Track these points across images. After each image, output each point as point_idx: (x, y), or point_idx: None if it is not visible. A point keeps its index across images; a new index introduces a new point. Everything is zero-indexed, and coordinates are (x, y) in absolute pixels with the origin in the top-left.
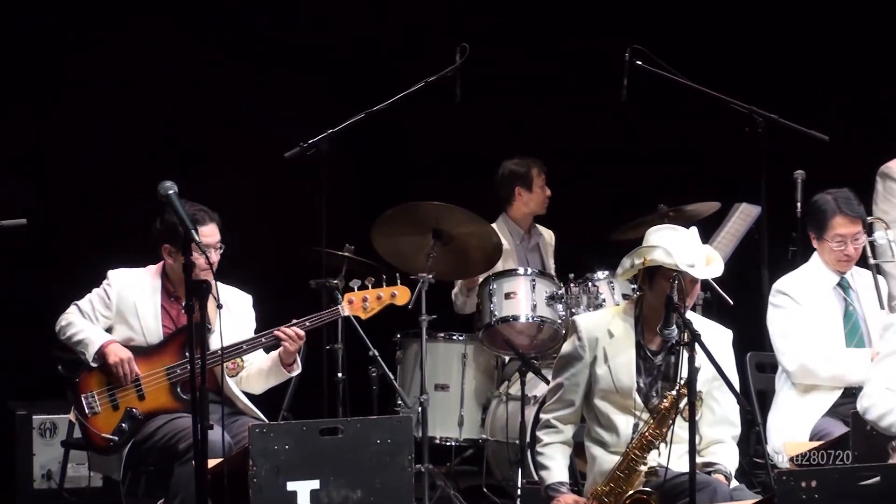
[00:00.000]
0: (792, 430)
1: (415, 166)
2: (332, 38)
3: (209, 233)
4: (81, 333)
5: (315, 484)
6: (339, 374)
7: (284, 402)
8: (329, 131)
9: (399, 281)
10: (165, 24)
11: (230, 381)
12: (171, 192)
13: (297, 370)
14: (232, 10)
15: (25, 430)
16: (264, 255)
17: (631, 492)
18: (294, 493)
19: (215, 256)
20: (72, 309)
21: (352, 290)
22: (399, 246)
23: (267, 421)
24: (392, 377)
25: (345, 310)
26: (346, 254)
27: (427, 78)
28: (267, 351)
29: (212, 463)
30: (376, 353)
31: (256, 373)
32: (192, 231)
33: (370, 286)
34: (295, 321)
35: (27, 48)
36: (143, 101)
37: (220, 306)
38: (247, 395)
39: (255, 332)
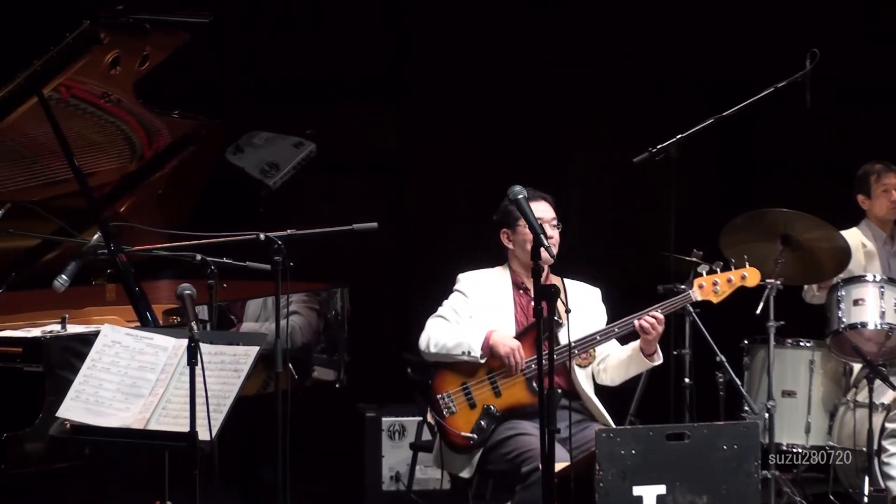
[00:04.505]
0: None
1: (762, 171)
2: (683, 44)
3: (542, 210)
4: (457, 337)
5: (661, 489)
6: (686, 380)
7: (631, 407)
8: (678, 136)
9: (748, 263)
10: (524, 26)
11: (580, 374)
12: (520, 196)
13: (659, 360)
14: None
15: (375, 432)
16: (613, 259)
17: None
18: (640, 498)
19: (554, 233)
20: (432, 322)
21: (700, 275)
22: (747, 252)
23: (613, 424)
24: (739, 383)
25: (696, 294)
26: (695, 259)
27: (776, 83)
28: (620, 341)
29: (558, 467)
30: (723, 359)
31: (616, 364)
32: (541, 236)
33: (719, 270)
34: (647, 309)
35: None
36: (499, 106)
37: (568, 311)
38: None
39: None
